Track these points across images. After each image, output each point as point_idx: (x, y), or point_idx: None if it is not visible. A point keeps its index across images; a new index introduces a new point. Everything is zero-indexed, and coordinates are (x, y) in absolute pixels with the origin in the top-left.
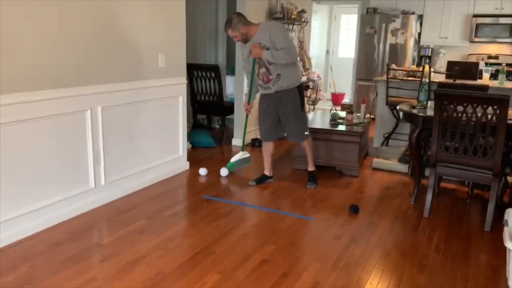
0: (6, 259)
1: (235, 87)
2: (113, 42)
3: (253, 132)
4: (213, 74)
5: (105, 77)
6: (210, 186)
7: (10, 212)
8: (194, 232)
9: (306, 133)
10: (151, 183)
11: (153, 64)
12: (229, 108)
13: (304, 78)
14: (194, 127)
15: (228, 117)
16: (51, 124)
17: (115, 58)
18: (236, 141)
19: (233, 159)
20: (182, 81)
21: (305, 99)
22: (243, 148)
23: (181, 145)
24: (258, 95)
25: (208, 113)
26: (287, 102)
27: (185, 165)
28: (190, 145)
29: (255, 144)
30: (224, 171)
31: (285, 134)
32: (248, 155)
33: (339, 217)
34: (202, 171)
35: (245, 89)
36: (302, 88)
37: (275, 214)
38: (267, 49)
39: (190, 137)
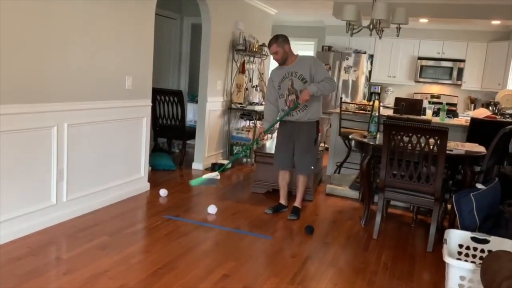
0: None
1: (198, 113)
2: (83, 61)
3: (214, 157)
4: (176, 99)
5: (73, 95)
6: (170, 207)
7: None
8: (157, 249)
9: (312, 167)
10: (112, 201)
11: (120, 85)
12: (191, 133)
13: (260, 108)
14: (154, 150)
15: (188, 141)
16: (17, 138)
17: (84, 77)
18: (196, 165)
19: (205, 176)
20: (147, 103)
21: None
22: (222, 169)
23: (143, 166)
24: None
25: (169, 136)
26: (304, 134)
27: (146, 186)
28: (150, 168)
29: (214, 169)
30: (212, 209)
31: (294, 165)
32: (218, 177)
33: (296, 237)
34: (163, 192)
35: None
36: (319, 124)
37: (235, 233)
38: (305, 81)
39: (150, 159)
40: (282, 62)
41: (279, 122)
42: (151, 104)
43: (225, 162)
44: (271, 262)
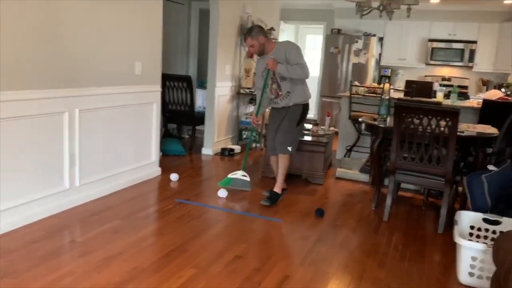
0: None
1: (207, 99)
2: (93, 47)
3: (223, 142)
4: (185, 85)
5: (84, 80)
6: (181, 191)
7: None
8: (168, 232)
9: (288, 147)
10: (124, 186)
11: (130, 71)
12: (200, 118)
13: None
14: (165, 136)
15: (198, 127)
16: (30, 123)
17: (94, 63)
18: (206, 150)
19: (231, 175)
20: (157, 88)
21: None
22: (244, 167)
23: (154, 151)
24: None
25: (179, 122)
26: (287, 115)
27: (157, 171)
28: (161, 153)
29: (224, 153)
30: (222, 192)
31: None
32: (248, 178)
33: (306, 220)
34: (173, 176)
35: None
36: (307, 107)
37: (245, 217)
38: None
39: (161, 145)
40: (260, 54)
41: (270, 109)
42: (161, 89)
43: (235, 147)
44: (281, 244)
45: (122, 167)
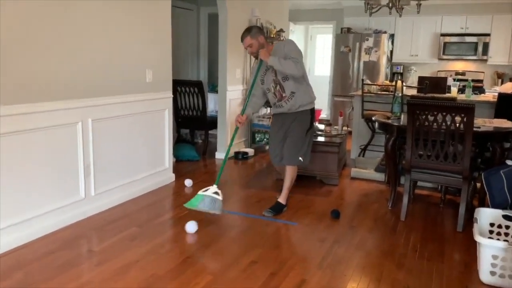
0: (1, 266)
1: (218, 103)
2: (104, 57)
3: (236, 145)
4: (196, 90)
5: (96, 90)
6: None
7: (2, 222)
8: (184, 239)
9: (299, 158)
10: (139, 194)
11: (141, 78)
12: (212, 123)
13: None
14: (178, 141)
15: (210, 131)
16: (44, 135)
17: (105, 72)
18: (219, 155)
19: (201, 192)
20: (168, 95)
21: None
22: (218, 180)
23: (167, 158)
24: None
25: (191, 127)
26: (296, 125)
27: (171, 177)
28: (174, 159)
29: (238, 157)
30: (191, 226)
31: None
32: (220, 197)
33: (322, 222)
34: (188, 182)
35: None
36: (314, 112)
37: (261, 221)
38: None
39: (174, 150)
40: (257, 55)
41: (273, 116)
42: (172, 96)
43: (248, 150)
44: (298, 247)
45: (137, 174)
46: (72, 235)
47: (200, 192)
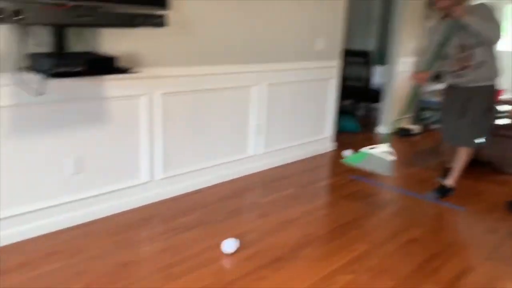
0: (184, 204)
1: (386, 75)
2: (279, 26)
3: (401, 121)
4: (363, 60)
5: (269, 57)
6: (355, 168)
7: (190, 167)
8: (342, 206)
9: (476, 140)
10: (298, 158)
11: (310, 47)
12: (377, 95)
13: None
14: (339, 112)
15: (373, 105)
16: (227, 94)
17: (278, 40)
18: (381, 129)
19: (366, 149)
20: (336, 64)
21: None
22: (390, 134)
23: (328, 126)
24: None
25: (354, 98)
26: (475, 101)
27: (331, 146)
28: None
29: (401, 133)
30: (229, 245)
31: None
32: (392, 157)
33: (494, 212)
34: (347, 153)
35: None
36: (496, 90)
37: (423, 201)
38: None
39: (335, 120)
40: (447, 13)
41: (447, 87)
42: (339, 65)
43: (413, 127)
44: (463, 233)
45: (298, 139)
46: (241, 187)
47: (363, 149)
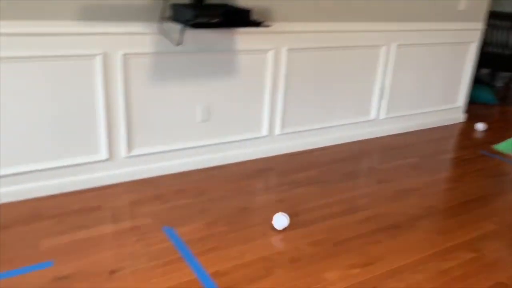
0: (299, 161)
1: None
2: None
3: None
4: (509, 24)
5: (402, 15)
6: (487, 143)
7: (309, 126)
8: (469, 181)
9: None
10: (424, 127)
11: (451, 6)
12: None
13: None
14: (474, 81)
15: None
16: (352, 53)
17: None
18: None
19: None
20: (479, 26)
21: None
22: None
23: (461, 96)
24: None
25: (494, 67)
26: None
27: (461, 117)
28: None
29: None
30: (280, 220)
31: None
32: None
33: None
34: (480, 126)
35: None
36: None
37: None
38: None
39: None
40: None
41: None
42: (483, 28)
43: None
44: None
45: (426, 107)
46: (358, 150)
47: None
